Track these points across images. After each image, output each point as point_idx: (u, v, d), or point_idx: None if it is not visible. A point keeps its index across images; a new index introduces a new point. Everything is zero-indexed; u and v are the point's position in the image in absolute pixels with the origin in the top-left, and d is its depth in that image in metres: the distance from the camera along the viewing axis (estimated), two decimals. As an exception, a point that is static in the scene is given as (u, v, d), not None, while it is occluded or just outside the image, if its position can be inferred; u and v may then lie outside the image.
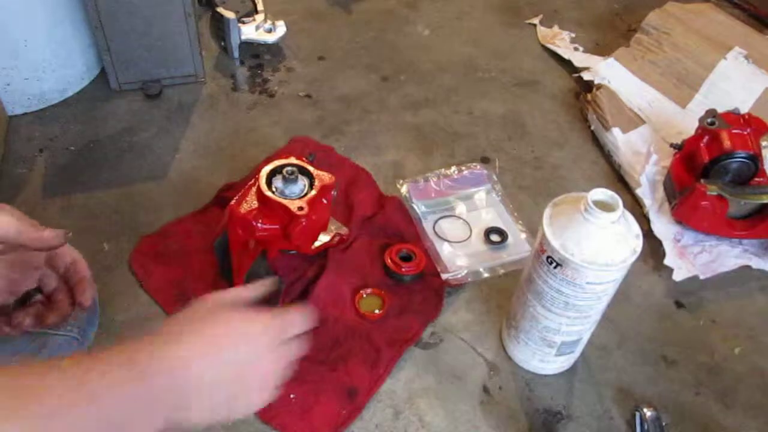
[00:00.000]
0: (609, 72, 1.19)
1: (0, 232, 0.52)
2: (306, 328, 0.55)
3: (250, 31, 1.22)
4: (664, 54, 1.20)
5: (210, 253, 0.87)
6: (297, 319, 0.55)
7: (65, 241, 0.56)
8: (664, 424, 0.76)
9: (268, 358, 0.53)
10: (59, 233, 0.55)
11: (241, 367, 0.50)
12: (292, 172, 0.79)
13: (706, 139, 0.95)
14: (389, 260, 0.90)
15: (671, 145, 1.04)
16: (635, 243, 0.67)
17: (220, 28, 1.22)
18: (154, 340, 0.47)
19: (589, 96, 1.16)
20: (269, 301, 0.85)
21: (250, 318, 0.52)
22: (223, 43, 1.23)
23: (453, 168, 1.05)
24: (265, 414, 0.76)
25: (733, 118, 0.95)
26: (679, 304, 0.91)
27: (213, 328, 0.49)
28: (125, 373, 0.44)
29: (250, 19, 1.23)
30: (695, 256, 0.95)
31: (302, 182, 0.80)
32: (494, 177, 1.04)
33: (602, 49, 1.27)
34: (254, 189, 0.80)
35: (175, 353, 0.47)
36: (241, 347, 0.50)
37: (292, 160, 0.82)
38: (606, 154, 1.10)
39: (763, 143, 0.95)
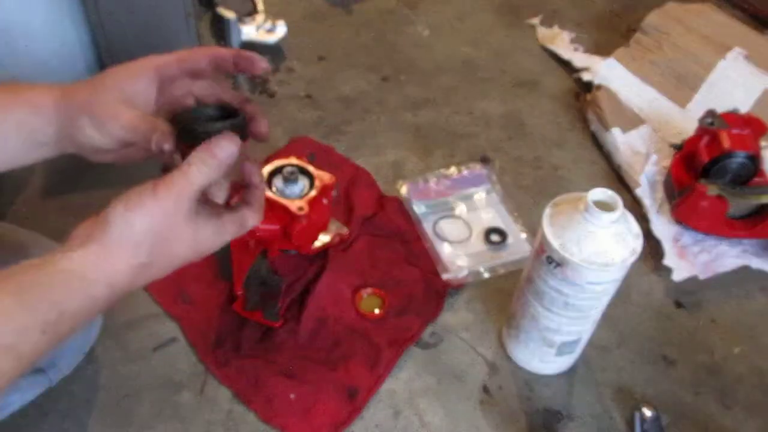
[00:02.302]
0: (609, 72, 1.19)
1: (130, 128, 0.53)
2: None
3: (251, 31, 1.22)
4: (664, 54, 1.20)
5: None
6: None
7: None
8: (663, 423, 0.77)
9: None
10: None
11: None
12: (292, 172, 0.79)
13: (705, 139, 0.95)
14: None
15: (671, 145, 1.05)
16: (635, 243, 0.67)
17: (220, 28, 1.22)
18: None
19: (588, 96, 1.16)
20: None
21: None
22: (223, 43, 1.23)
23: (452, 168, 1.05)
24: (265, 414, 0.77)
25: (732, 118, 0.95)
26: (678, 304, 0.91)
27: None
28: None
29: (250, 19, 1.23)
30: (695, 256, 0.95)
31: (302, 182, 0.80)
32: (494, 177, 1.04)
33: (602, 49, 1.27)
34: (254, 189, 0.80)
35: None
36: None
37: (292, 160, 0.81)
38: (606, 154, 1.10)
39: (763, 143, 0.95)
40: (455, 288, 0.90)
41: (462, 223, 0.98)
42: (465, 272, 0.91)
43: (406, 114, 1.16)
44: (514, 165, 1.08)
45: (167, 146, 0.53)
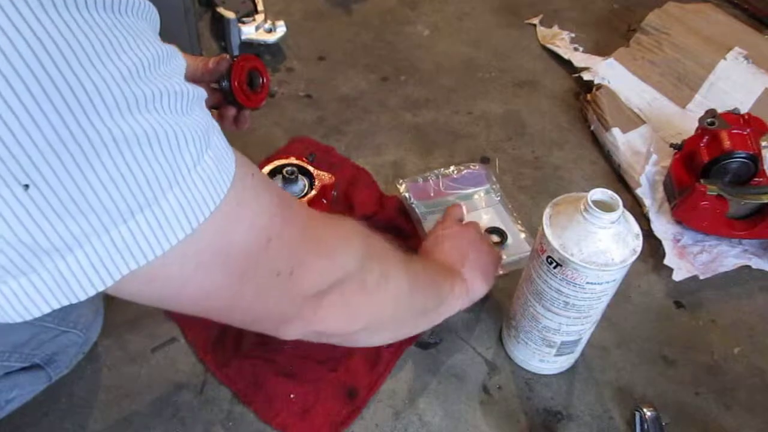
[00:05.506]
0: (609, 72, 1.19)
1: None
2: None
3: (250, 31, 1.22)
4: (664, 54, 1.20)
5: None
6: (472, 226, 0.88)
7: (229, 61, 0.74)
8: (664, 424, 0.77)
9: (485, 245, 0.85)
10: (221, 57, 0.73)
11: (477, 254, 0.81)
12: (292, 172, 0.79)
13: (705, 139, 0.95)
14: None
15: (671, 145, 1.05)
16: (635, 243, 0.67)
17: (220, 28, 1.22)
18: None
19: (588, 96, 1.16)
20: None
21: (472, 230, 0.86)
22: (223, 43, 1.23)
23: (452, 168, 1.05)
24: (265, 414, 0.77)
25: (733, 118, 0.95)
26: (678, 304, 0.91)
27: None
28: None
29: (250, 19, 1.23)
30: (695, 256, 0.95)
31: (302, 182, 0.80)
32: (493, 177, 1.04)
33: (602, 49, 1.27)
34: (254, 189, 0.80)
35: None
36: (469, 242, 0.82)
37: (292, 160, 0.82)
38: (606, 154, 1.10)
39: (763, 143, 0.95)
40: (455, 288, 0.90)
41: (462, 223, 0.98)
42: (465, 272, 0.91)
43: (406, 114, 1.16)
44: (514, 165, 1.08)
45: (224, 63, 0.72)
